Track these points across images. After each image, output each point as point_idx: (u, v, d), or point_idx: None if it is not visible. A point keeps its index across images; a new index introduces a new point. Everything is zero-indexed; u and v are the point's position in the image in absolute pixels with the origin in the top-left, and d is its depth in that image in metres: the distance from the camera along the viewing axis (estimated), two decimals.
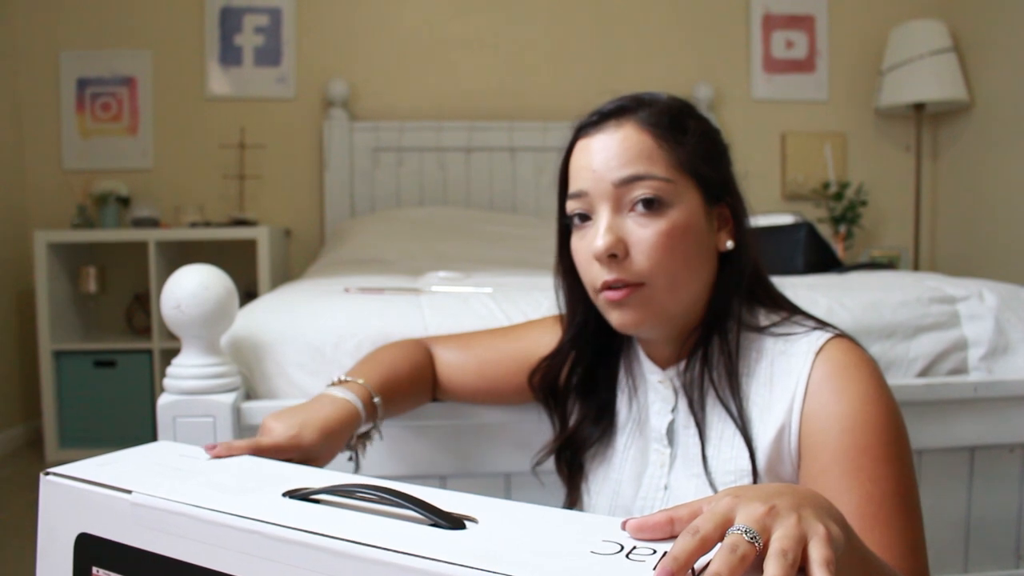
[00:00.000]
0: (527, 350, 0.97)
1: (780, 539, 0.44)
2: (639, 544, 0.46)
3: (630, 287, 0.78)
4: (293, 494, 0.57)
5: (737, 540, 0.43)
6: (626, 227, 0.78)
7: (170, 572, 0.55)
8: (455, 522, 0.50)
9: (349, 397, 0.83)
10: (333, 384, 0.86)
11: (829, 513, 0.48)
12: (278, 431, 0.75)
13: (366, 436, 0.88)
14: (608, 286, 0.79)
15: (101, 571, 0.58)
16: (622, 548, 0.46)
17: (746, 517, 0.45)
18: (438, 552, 0.45)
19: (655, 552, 0.45)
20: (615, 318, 0.80)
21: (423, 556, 0.45)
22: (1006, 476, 1.15)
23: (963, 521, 1.15)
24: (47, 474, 0.61)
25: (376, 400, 0.85)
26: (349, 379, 0.86)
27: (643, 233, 0.77)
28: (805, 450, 0.75)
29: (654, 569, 0.42)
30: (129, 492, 0.58)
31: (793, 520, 0.45)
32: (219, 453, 0.68)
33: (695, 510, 0.47)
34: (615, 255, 0.77)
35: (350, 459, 0.88)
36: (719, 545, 0.43)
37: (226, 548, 0.53)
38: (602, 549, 0.45)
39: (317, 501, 0.55)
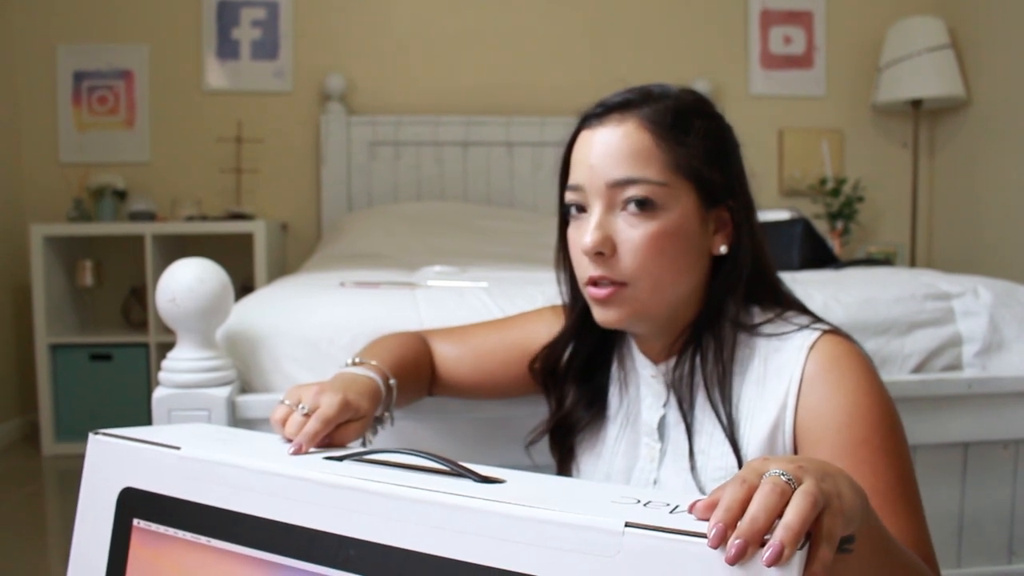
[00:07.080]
0: (522, 341, 0.97)
1: (808, 485, 0.46)
2: (654, 499, 0.51)
3: (614, 286, 0.78)
4: (335, 459, 0.61)
5: (775, 479, 0.46)
6: (616, 226, 0.78)
7: (212, 520, 0.58)
8: (491, 480, 0.55)
9: (370, 375, 0.83)
10: (349, 365, 0.85)
11: (850, 483, 0.50)
12: (327, 401, 0.73)
13: (379, 420, 0.87)
14: (594, 282, 0.79)
15: (142, 522, 0.62)
16: (639, 501, 0.51)
17: (779, 466, 0.48)
18: (489, 496, 0.50)
19: (668, 504, 0.49)
20: (598, 314, 0.82)
21: (479, 497, 0.50)
22: (999, 472, 1.16)
23: (956, 517, 1.16)
24: (96, 433, 0.65)
25: (392, 382, 0.85)
26: (364, 360, 0.86)
27: (632, 234, 0.77)
28: (802, 446, 0.75)
29: (709, 531, 0.44)
30: (179, 448, 0.61)
31: (818, 477, 0.48)
32: (299, 446, 0.68)
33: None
34: (602, 253, 0.78)
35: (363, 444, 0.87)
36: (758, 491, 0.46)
37: (278, 496, 0.56)
38: (621, 500, 0.50)
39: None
